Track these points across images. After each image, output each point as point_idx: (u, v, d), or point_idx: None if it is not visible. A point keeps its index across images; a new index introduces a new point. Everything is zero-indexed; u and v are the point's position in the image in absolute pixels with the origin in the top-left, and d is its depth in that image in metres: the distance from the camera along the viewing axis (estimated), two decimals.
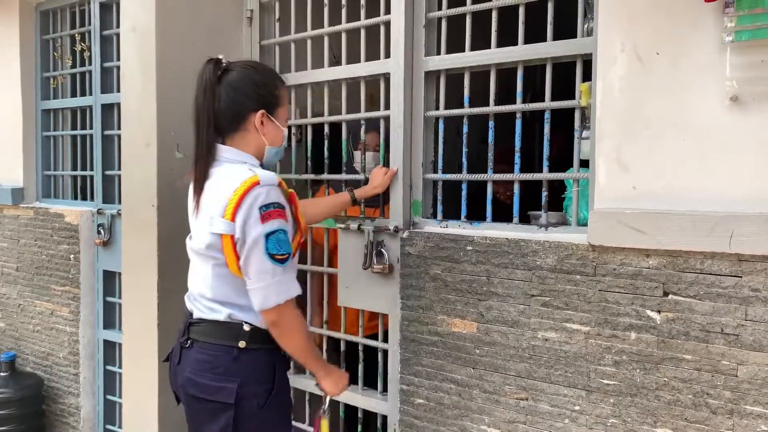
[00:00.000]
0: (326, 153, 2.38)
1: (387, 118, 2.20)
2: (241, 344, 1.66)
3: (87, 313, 3.20)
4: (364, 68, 2.25)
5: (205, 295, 1.72)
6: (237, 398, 1.63)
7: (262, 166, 1.74)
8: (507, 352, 1.88)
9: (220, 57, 1.74)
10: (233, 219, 1.58)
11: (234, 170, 1.65)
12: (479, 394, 1.94)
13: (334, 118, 2.36)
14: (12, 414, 3.18)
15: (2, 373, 3.25)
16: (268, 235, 1.58)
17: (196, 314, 1.74)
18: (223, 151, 1.71)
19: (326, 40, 2.35)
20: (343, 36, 2.31)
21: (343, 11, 2.31)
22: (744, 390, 1.52)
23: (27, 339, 3.53)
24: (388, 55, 2.16)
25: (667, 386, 1.62)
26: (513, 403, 1.88)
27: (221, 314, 1.68)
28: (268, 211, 1.58)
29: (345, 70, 2.31)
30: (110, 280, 3.17)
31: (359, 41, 2.26)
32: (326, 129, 2.38)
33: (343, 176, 2.35)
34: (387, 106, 2.18)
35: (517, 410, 1.87)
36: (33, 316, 3.47)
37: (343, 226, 2.26)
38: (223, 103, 1.69)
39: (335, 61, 2.39)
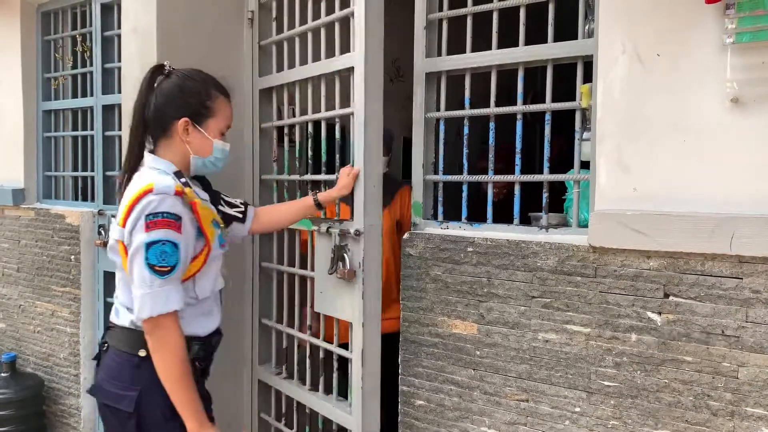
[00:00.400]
0: (310, 153, 2.32)
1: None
2: (142, 353, 1.61)
3: (88, 314, 3.20)
4: (331, 64, 2.16)
5: (117, 298, 1.71)
6: (138, 408, 1.60)
7: (177, 175, 1.68)
8: (508, 354, 1.88)
9: (164, 63, 1.75)
10: (124, 225, 1.58)
11: (144, 176, 1.64)
12: (480, 396, 1.94)
13: (308, 117, 2.30)
14: (12, 415, 3.18)
15: (3, 374, 3.25)
16: (149, 245, 1.54)
17: (111, 317, 1.73)
18: (146, 157, 1.70)
19: (309, 36, 2.30)
20: (323, 31, 2.24)
21: (323, 4, 2.24)
22: (745, 392, 1.52)
23: (27, 340, 3.53)
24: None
25: (668, 388, 1.62)
26: (513, 404, 1.88)
27: (126, 320, 1.66)
28: (154, 220, 1.54)
29: (317, 67, 2.24)
30: (111, 281, 3.16)
31: (344, 36, 2.15)
32: (309, 128, 2.32)
33: (322, 177, 2.27)
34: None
35: (517, 412, 1.87)
36: (34, 317, 3.47)
37: (316, 228, 2.20)
38: (152, 108, 1.70)
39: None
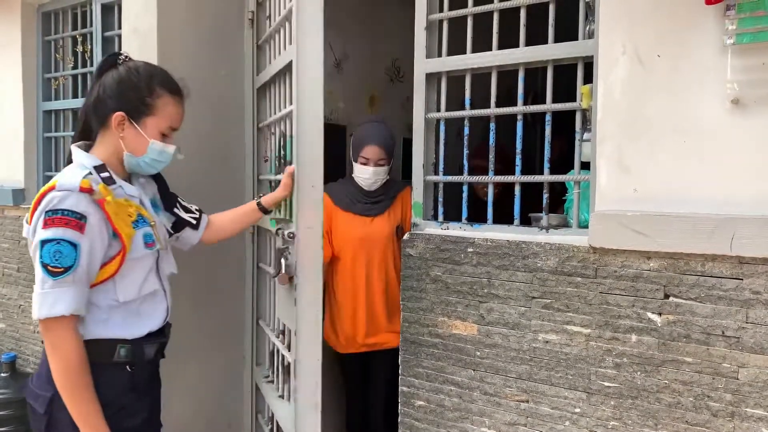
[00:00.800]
0: (282, 152, 2.23)
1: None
2: None
3: None
4: (282, 59, 2.07)
5: None
6: (49, 409, 1.53)
7: (99, 169, 1.59)
8: (508, 355, 1.88)
9: (122, 53, 1.68)
10: (30, 222, 1.52)
11: (62, 171, 1.57)
12: (480, 397, 1.94)
13: (276, 117, 2.23)
14: (13, 415, 3.18)
15: (3, 374, 3.25)
16: (44, 243, 1.46)
17: None
18: (72, 149, 1.63)
19: (281, 31, 2.23)
20: (287, 25, 2.12)
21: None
22: (745, 393, 1.52)
23: (27, 340, 3.53)
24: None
25: (668, 389, 1.62)
26: (514, 405, 1.88)
27: None
28: (52, 217, 1.46)
29: (276, 64, 2.17)
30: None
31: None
32: (282, 126, 2.25)
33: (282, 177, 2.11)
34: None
35: (517, 412, 1.87)
36: None
37: (275, 229, 2.11)
38: (92, 98, 1.64)
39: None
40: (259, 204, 2.00)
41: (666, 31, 1.62)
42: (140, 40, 2.37)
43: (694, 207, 1.58)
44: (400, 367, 2.12)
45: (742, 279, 1.51)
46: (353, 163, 2.49)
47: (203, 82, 2.40)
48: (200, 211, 1.95)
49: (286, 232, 1.92)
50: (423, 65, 2.11)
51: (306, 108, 1.87)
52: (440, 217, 2.12)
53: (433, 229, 2.10)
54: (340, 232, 2.51)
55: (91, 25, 3.22)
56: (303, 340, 1.88)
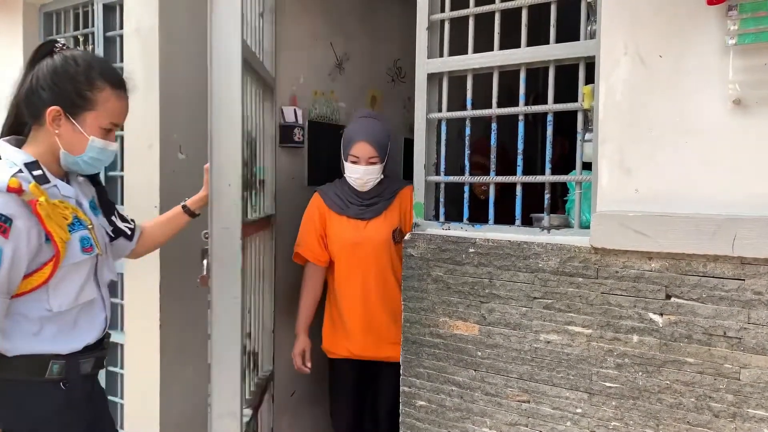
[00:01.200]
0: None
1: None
2: None
3: None
4: None
5: None
6: None
7: (31, 167, 1.46)
8: (509, 355, 1.88)
9: (59, 41, 1.54)
10: None
11: None
12: (481, 397, 1.94)
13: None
14: None
15: None
16: None
17: None
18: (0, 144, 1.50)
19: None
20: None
21: None
22: (747, 393, 1.52)
23: None
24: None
25: (670, 389, 1.62)
26: (515, 405, 1.88)
27: None
28: None
29: None
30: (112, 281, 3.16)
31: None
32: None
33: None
34: None
35: (518, 413, 1.87)
36: None
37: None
38: (25, 89, 1.50)
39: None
40: (184, 207, 1.90)
41: (668, 31, 1.62)
42: (142, 40, 2.37)
43: (696, 207, 1.58)
44: (401, 367, 2.12)
45: (743, 280, 1.51)
46: (344, 162, 2.39)
47: (204, 81, 2.41)
48: (134, 222, 1.88)
49: (203, 233, 1.83)
50: (424, 65, 2.11)
51: (217, 96, 1.73)
52: (441, 218, 2.12)
53: (434, 229, 2.10)
54: (333, 237, 2.43)
55: (93, 26, 3.22)
56: (217, 347, 1.74)
